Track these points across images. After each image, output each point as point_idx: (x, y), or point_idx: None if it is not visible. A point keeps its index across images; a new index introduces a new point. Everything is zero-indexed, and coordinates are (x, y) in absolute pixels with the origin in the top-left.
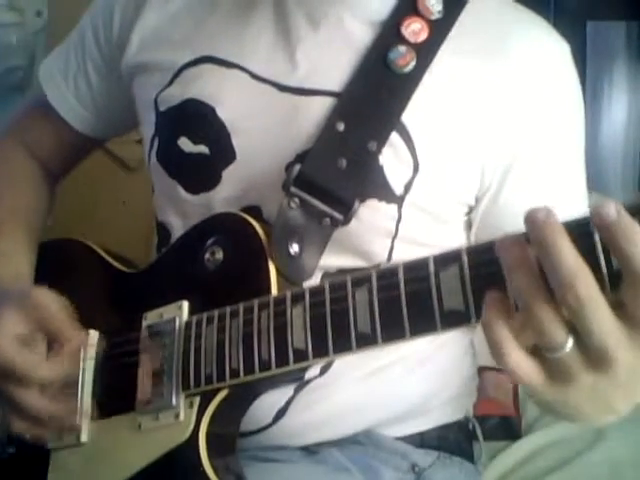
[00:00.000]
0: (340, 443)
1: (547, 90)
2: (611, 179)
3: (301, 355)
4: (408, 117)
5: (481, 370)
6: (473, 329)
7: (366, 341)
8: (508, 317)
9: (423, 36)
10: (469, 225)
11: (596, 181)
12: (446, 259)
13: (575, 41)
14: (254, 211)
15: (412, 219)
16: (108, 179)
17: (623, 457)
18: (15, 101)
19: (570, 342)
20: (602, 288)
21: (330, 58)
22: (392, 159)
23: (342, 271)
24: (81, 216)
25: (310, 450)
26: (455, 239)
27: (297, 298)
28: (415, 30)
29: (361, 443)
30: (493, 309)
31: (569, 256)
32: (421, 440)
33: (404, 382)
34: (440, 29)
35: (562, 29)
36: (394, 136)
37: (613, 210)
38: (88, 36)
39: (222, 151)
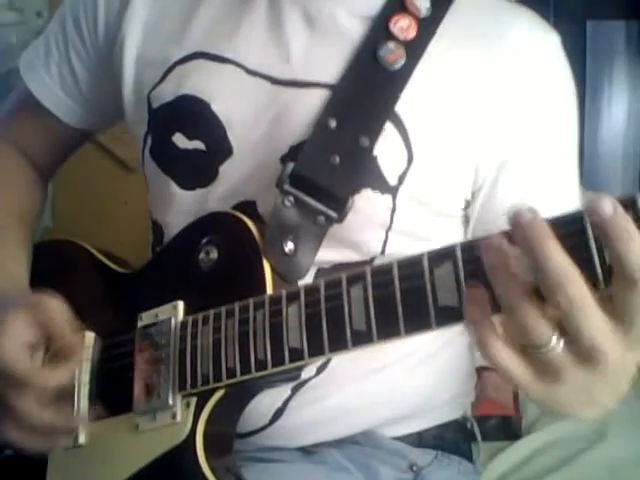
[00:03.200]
0: (338, 443)
1: (540, 83)
2: (611, 179)
3: (297, 354)
4: (402, 108)
5: (481, 370)
6: None
7: (361, 339)
8: (491, 313)
9: (412, 33)
10: (467, 220)
11: (596, 181)
12: (440, 255)
13: (575, 41)
14: (249, 206)
15: (407, 210)
16: (109, 179)
17: (623, 457)
18: None
19: (554, 340)
20: (596, 284)
21: (323, 51)
22: (386, 149)
23: (336, 266)
24: (82, 216)
25: (308, 450)
26: (452, 234)
27: (292, 297)
28: (404, 27)
29: (359, 443)
30: (474, 306)
31: (557, 256)
32: (419, 439)
33: (402, 383)
34: (428, 27)
35: (562, 29)
36: (388, 126)
37: (609, 206)
38: (69, 26)
39: (219, 146)
